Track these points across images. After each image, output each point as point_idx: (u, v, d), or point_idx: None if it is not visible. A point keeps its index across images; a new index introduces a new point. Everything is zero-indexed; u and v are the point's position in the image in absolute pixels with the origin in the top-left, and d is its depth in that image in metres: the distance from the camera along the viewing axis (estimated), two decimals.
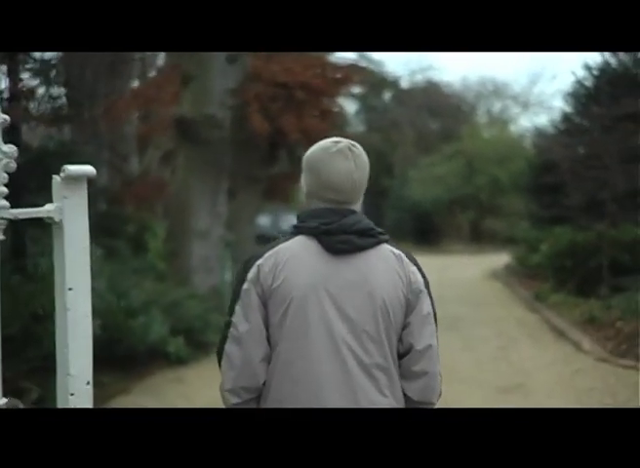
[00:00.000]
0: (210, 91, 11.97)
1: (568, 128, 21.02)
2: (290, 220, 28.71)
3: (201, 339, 10.58)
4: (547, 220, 20.76)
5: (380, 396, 2.74)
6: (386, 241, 2.85)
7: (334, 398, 2.70)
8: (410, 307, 2.79)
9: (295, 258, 2.74)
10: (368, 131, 40.02)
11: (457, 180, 36.12)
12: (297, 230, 2.80)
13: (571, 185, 18.69)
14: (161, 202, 15.09)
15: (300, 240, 2.78)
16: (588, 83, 20.69)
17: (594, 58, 19.49)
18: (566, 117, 21.47)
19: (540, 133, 23.15)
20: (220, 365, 2.82)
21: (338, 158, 2.78)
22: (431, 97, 40.47)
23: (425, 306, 2.82)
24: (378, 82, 40.12)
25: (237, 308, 2.75)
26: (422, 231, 35.04)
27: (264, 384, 2.77)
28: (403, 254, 2.85)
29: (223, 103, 11.98)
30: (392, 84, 41.52)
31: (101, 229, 14.22)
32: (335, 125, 16.51)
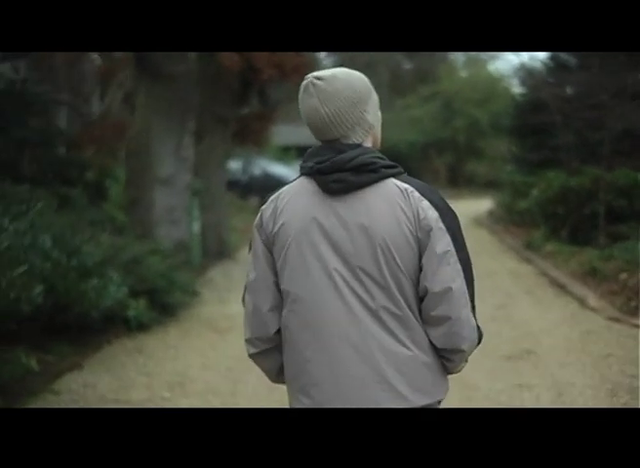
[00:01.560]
0: None
1: (556, 65, 19.90)
2: (262, 165, 27.79)
3: (166, 301, 9.36)
4: (534, 164, 19.83)
5: (399, 344, 2.54)
6: (394, 175, 2.60)
7: (345, 353, 2.54)
8: (422, 247, 2.54)
9: (293, 201, 2.62)
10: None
11: (434, 123, 35.28)
12: (300, 171, 2.68)
13: (560, 126, 17.68)
14: (123, 146, 13.79)
15: (300, 181, 2.66)
16: None
17: None
18: (554, 54, 20.31)
19: (525, 70, 21.91)
20: None
21: (304, 97, 2.63)
22: None
23: (441, 244, 2.54)
24: None
25: (249, 256, 2.71)
26: None
27: (280, 331, 2.68)
28: (412, 188, 2.58)
29: None
30: None
31: (57, 176, 13.03)
32: (312, 60, 15.27)
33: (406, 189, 2.58)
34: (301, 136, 37.71)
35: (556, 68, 19.74)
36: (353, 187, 2.57)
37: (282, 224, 2.62)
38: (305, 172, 2.64)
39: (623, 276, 11.29)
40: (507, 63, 52.88)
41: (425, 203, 2.57)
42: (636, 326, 9.35)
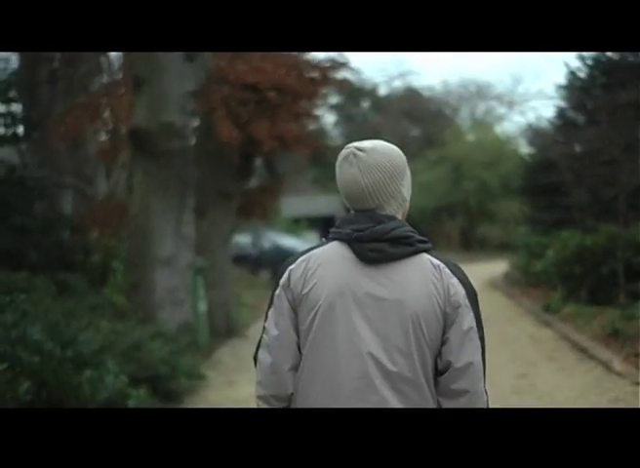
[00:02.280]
0: (166, 95, 10.23)
1: (564, 123, 19.66)
2: (272, 238, 27.47)
3: (169, 387, 8.89)
4: (548, 224, 19.55)
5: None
6: (427, 250, 2.70)
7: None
8: (448, 322, 2.64)
9: (326, 265, 2.67)
10: (347, 141, 38.98)
11: (443, 187, 35.14)
12: (332, 236, 2.73)
13: (572, 184, 17.38)
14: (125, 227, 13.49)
15: (333, 246, 2.71)
16: (582, 74, 19.42)
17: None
18: (561, 112, 20.13)
19: (533, 130, 21.71)
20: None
21: (344, 165, 2.71)
22: (411, 103, 39.50)
23: (467, 321, 2.65)
24: (355, 90, 39.23)
25: (269, 313, 2.74)
26: None
27: (293, 393, 2.71)
28: (443, 265, 2.68)
29: (184, 109, 10.28)
30: (370, 92, 40.69)
31: (59, 261, 12.71)
32: (314, 130, 15.05)
33: (438, 265, 2.67)
34: (312, 207, 37.75)
35: (564, 126, 19.52)
36: (390, 258, 2.64)
37: (313, 286, 2.65)
38: (341, 237, 2.69)
39: None
40: (514, 125, 52.98)
41: (455, 280, 2.67)
42: None
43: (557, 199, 18.64)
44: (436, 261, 2.68)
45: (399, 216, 2.74)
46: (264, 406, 2.76)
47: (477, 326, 2.68)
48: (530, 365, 10.82)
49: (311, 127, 16.14)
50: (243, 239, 26.19)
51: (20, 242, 11.45)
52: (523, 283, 19.89)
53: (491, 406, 3.15)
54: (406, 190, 2.76)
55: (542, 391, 9.21)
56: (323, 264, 2.68)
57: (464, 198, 34.77)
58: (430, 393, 2.64)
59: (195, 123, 10.68)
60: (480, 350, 2.67)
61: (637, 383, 9.25)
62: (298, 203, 35.90)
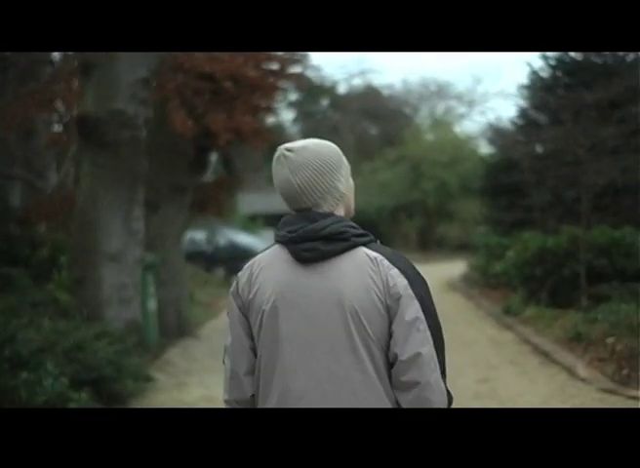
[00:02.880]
0: (117, 82, 9.69)
1: (526, 123, 19.39)
2: (227, 235, 26.96)
3: (114, 390, 8.40)
4: (508, 225, 19.24)
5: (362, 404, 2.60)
6: (364, 243, 2.67)
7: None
8: (392, 314, 2.61)
9: (267, 269, 2.70)
10: (305, 137, 38.75)
11: (402, 186, 34.89)
12: (274, 239, 2.74)
13: (533, 185, 17.12)
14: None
15: (274, 249, 2.74)
16: (545, 74, 19.19)
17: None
18: (523, 111, 19.85)
19: (494, 130, 21.42)
20: None
21: (276, 167, 2.71)
22: (371, 101, 39.15)
23: (410, 312, 2.60)
24: (314, 88, 38.88)
25: (227, 320, 2.80)
26: None
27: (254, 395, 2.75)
28: (382, 257, 2.65)
29: (135, 97, 9.75)
30: (329, 89, 40.42)
31: (5, 255, 12.17)
32: (272, 125, 14.61)
33: (375, 258, 2.64)
34: (269, 204, 37.23)
35: (526, 126, 19.25)
36: (324, 256, 2.63)
37: (257, 291, 2.68)
38: (279, 240, 2.70)
39: (610, 341, 10.64)
40: (474, 125, 52.94)
41: (395, 271, 2.63)
42: (633, 397, 8.55)
43: (518, 199, 18.35)
44: (373, 254, 2.66)
45: (339, 212, 2.74)
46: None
47: (426, 315, 2.63)
48: (491, 368, 10.47)
49: (269, 121, 15.72)
50: (198, 235, 25.71)
51: None
52: (482, 284, 19.60)
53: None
54: (343, 185, 2.74)
55: (505, 397, 8.85)
56: (264, 268, 2.71)
57: (423, 198, 34.52)
58: (384, 387, 2.63)
59: (148, 113, 10.14)
60: (430, 340, 2.62)
61: (602, 390, 8.94)
62: (255, 200, 35.53)
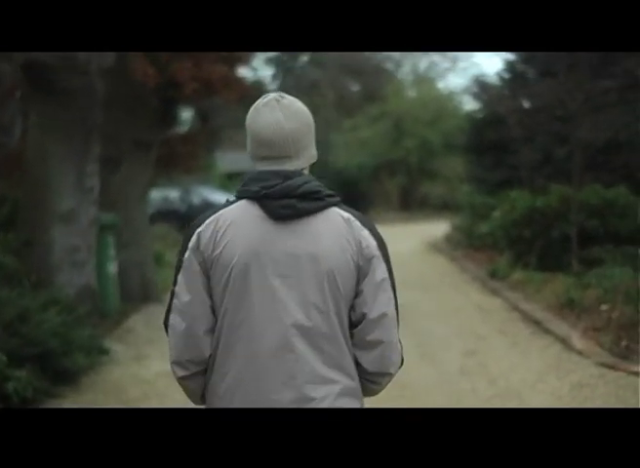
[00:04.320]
0: None
1: (514, 77, 18.53)
2: (202, 194, 26.08)
3: (62, 366, 7.53)
4: (494, 183, 18.50)
5: (326, 367, 2.63)
6: (336, 204, 2.71)
7: (274, 372, 2.61)
8: (361, 274, 2.67)
9: (236, 224, 2.66)
10: (285, 94, 37.99)
11: (383, 144, 34.06)
12: (239, 194, 2.71)
13: (521, 141, 16.32)
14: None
15: (241, 205, 2.69)
16: None
17: None
18: (510, 65, 18.96)
19: (479, 84, 20.54)
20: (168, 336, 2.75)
21: (264, 111, 2.70)
22: (351, 57, 38.04)
23: (379, 272, 2.68)
24: None
25: (179, 278, 2.70)
26: (348, 199, 31.69)
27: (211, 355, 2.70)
28: (353, 218, 2.71)
29: None
30: None
31: None
32: (250, 79, 13.70)
33: (348, 218, 2.69)
34: (247, 162, 36.50)
35: (513, 80, 18.40)
36: (300, 214, 2.64)
37: (224, 247, 2.63)
38: (249, 195, 2.67)
39: (605, 308, 9.98)
40: (457, 81, 52.03)
41: (366, 232, 2.70)
42: (634, 373, 7.80)
43: (505, 157, 17.58)
44: (346, 215, 2.69)
45: (306, 172, 2.75)
46: (180, 372, 2.72)
47: (389, 276, 2.70)
48: (479, 339, 9.67)
49: (246, 74, 14.78)
50: (172, 194, 24.89)
51: None
52: (466, 245, 18.83)
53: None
54: (314, 149, 2.79)
55: (496, 372, 8.06)
56: (233, 224, 2.65)
57: (405, 155, 33.68)
58: (347, 347, 2.67)
59: (105, 59, 9.18)
60: (393, 301, 2.71)
61: (601, 364, 8.19)
62: (234, 158, 34.91)
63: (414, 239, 21.84)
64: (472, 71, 38.27)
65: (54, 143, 8.86)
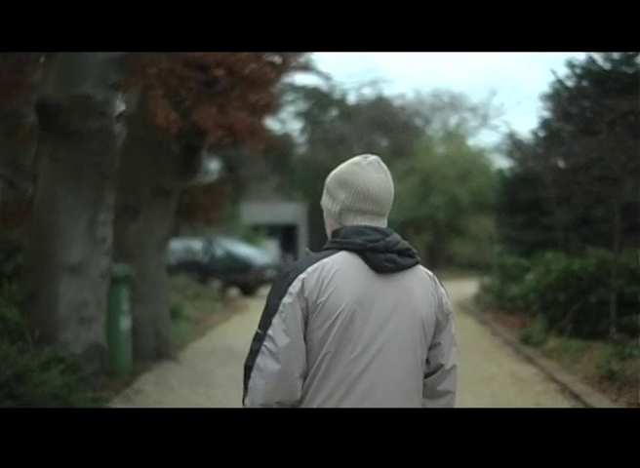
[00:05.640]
0: (83, 61, 8.18)
1: (549, 134, 18.01)
2: (224, 245, 25.65)
3: None
4: (526, 244, 17.99)
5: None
6: (419, 262, 2.91)
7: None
8: (439, 328, 2.88)
9: (341, 274, 2.77)
10: (313, 147, 37.73)
11: (411, 200, 33.57)
12: (338, 246, 2.84)
13: (556, 201, 15.77)
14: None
15: (343, 256, 2.82)
16: (570, 83, 17.81)
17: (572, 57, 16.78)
18: (546, 122, 18.45)
19: (513, 142, 20.08)
20: (246, 379, 2.81)
21: (372, 170, 2.87)
22: (381, 112, 37.81)
23: (453, 327, 2.95)
24: (323, 97, 37.73)
25: (275, 321, 2.77)
26: None
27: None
28: (434, 276, 2.95)
29: (104, 80, 8.24)
30: (339, 99, 39.46)
31: None
32: (279, 133, 13.20)
33: (433, 276, 2.96)
34: (272, 214, 36.18)
35: (549, 138, 17.89)
36: (400, 268, 2.84)
37: (330, 295, 2.74)
38: (353, 247, 2.81)
39: None
40: (488, 139, 51.61)
41: (443, 290, 2.96)
42: None
43: (538, 217, 17.05)
44: (430, 273, 2.96)
45: None
46: None
47: None
48: None
49: (275, 127, 14.28)
50: (195, 244, 24.52)
51: None
52: (497, 307, 18.25)
53: None
54: None
55: None
56: (338, 273, 2.76)
57: (433, 212, 33.27)
58: (420, 393, 2.86)
59: (127, 102, 8.70)
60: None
61: None
62: (259, 210, 34.72)
63: None
64: (502, 129, 37.94)
65: (64, 189, 8.32)
